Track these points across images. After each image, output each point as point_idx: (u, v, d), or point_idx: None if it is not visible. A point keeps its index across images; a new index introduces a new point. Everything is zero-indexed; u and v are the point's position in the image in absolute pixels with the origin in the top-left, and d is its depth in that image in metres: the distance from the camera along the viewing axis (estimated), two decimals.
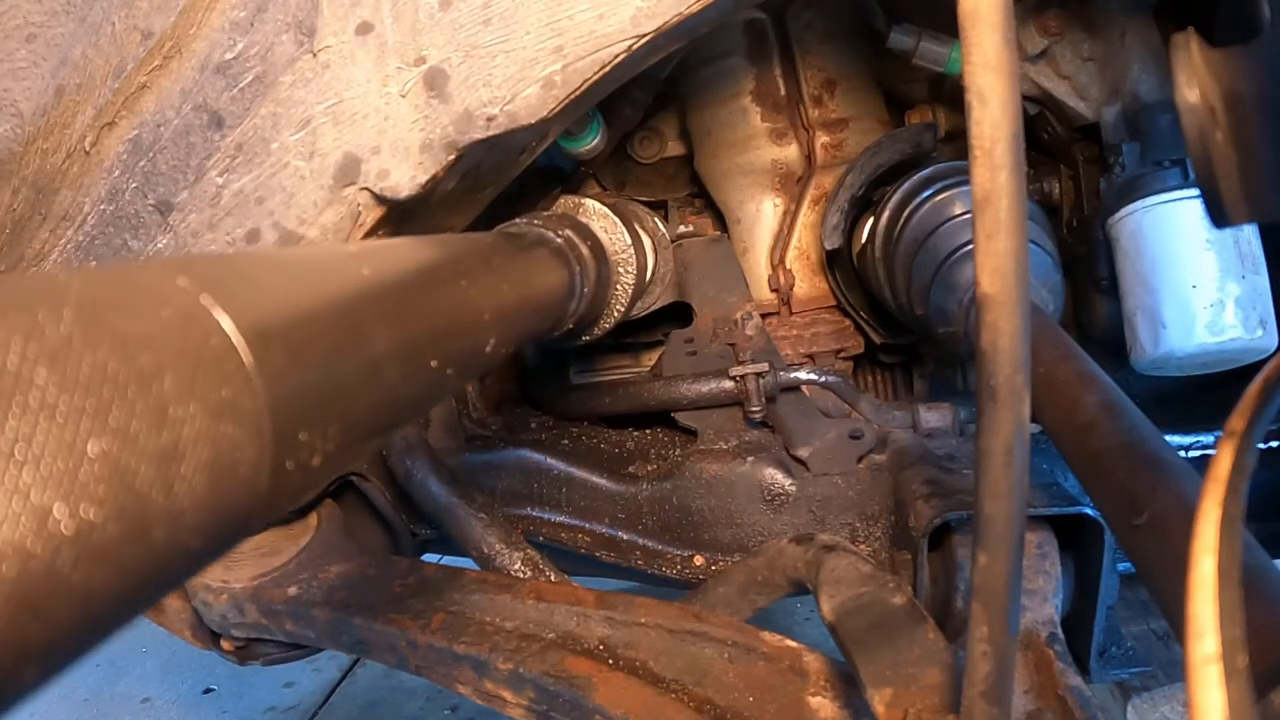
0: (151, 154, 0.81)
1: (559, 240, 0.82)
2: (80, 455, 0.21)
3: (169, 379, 0.24)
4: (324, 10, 0.76)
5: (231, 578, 0.96)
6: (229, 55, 0.78)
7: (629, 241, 1.00)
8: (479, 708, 0.80)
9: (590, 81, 0.75)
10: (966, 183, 1.00)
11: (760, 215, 1.26)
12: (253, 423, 0.27)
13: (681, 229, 1.29)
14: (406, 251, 0.41)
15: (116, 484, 0.22)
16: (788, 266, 1.23)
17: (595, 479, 1.14)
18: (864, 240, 1.16)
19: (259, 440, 0.27)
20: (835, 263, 1.22)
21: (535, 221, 0.86)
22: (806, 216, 1.23)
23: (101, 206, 0.83)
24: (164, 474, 0.23)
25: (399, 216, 0.82)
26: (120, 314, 0.24)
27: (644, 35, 0.74)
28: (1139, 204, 0.99)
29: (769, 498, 1.07)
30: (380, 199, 0.79)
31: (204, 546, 0.26)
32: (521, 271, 0.66)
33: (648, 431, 1.23)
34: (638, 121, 1.28)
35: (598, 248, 0.93)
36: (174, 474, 0.23)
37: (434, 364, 0.43)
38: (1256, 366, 0.40)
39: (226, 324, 0.27)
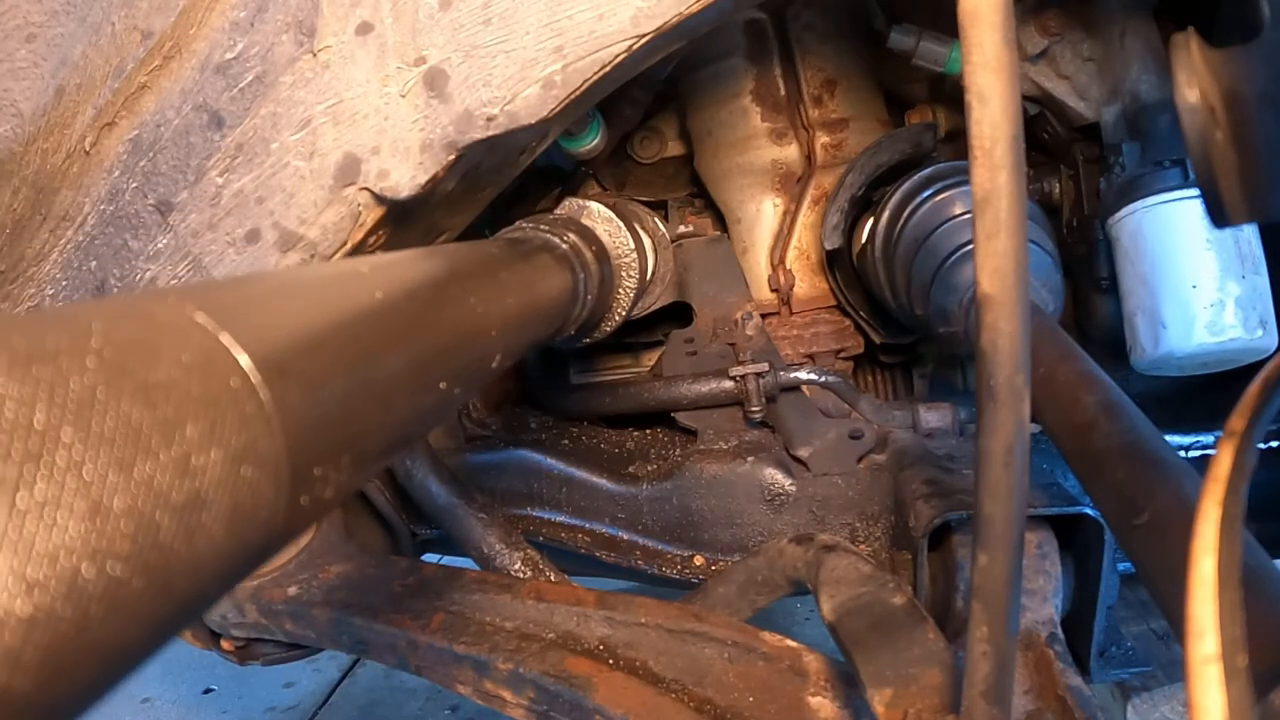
0: (151, 154, 0.81)
1: (564, 246, 0.82)
2: (107, 513, 0.21)
3: (190, 427, 0.24)
4: (324, 10, 0.76)
5: None
6: (229, 55, 0.78)
7: (632, 245, 1.00)
8: (479, 708, 0.80)
9: (590, 81, 0.75)
10: (966, 183, 1.00)
11: (760, 215, 1.26)
12: (271, 464, 0.26)
13: (681, 229, 1.29)
14: (416, 269, 0.40)
15: (141, 539, 0.22)
16: (788, 266, 1.23)
17: (595, 479, 1.14)
18: (864, 240, 1.16)
19: (276, 481, 0.27)
20: (835, 263, 1.22)
21: (541, 226, 0.86)
22: (806, 216, 1.23)
23: (102, 206, 0.83)
24: (186, 524, 0.23)
25: (399, 216, 0.82)
26: (142, 359, 0.24)
27: (644, 35, 0.74)
28: (1139, 204, 0.99)
29: (769, 498, 1.07)
30: (380, 199, 0.79)
31: (219, 588, 0.26)
32: (526, 281, 0.66)
33: (648, 431, 1.23)
34: (638, 121, 1.28)
35: (601, 252, 0.93)
36: (196, 523, 0.23)
37: (443, 385, 0.43)
38: (1256, 366, 0.40)
39: (245, 363, 0.26)
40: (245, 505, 0.25)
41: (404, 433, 0.40)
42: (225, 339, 0.26)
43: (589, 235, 0.92)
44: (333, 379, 0.31)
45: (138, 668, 0.24)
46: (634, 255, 1.00)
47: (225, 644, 1.03)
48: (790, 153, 1.26)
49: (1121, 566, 0.85)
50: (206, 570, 0.24)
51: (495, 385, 1.36)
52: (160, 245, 0.83)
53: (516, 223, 0.89)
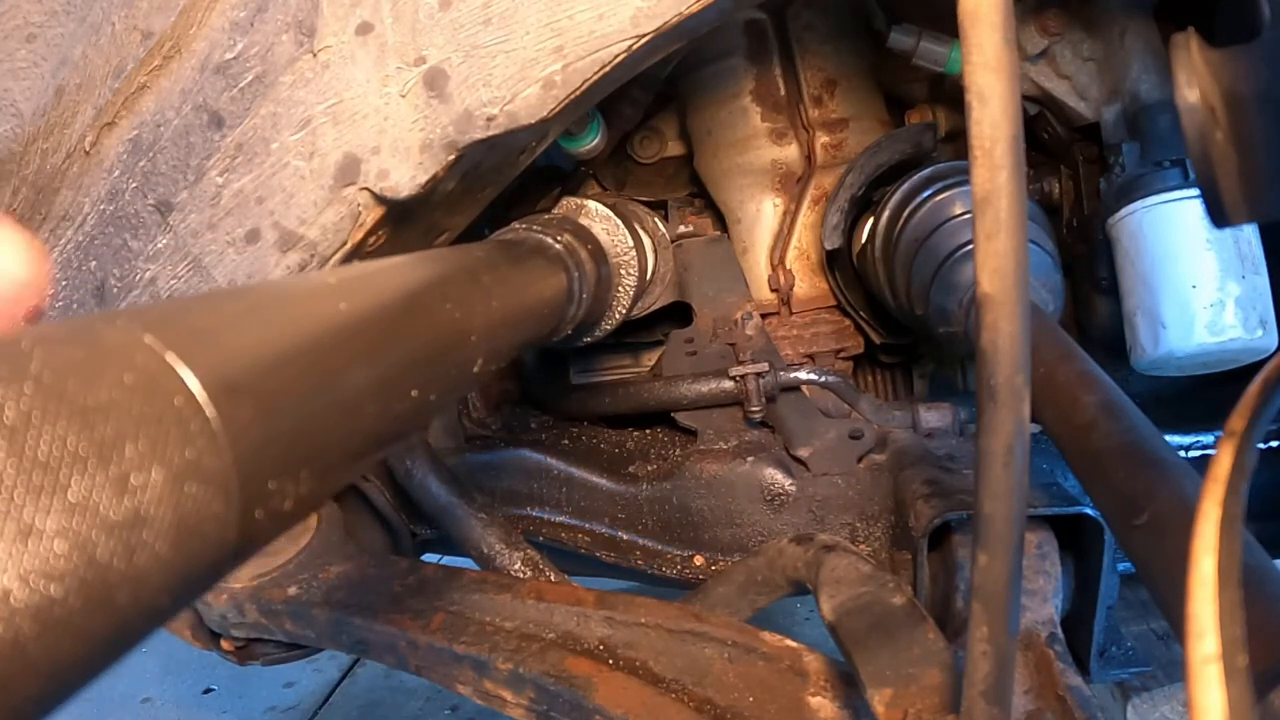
0: (151, 154, 0.81)
1: (558, 246, 0.82)
2: (39, 534, 0.22)
3: (130, 447, 0.24)
4: (324, 10, 0.76)
5: (231, 578, 0.96)
6: (229, 55, 0.78)
7: (631, 244, 1.00)
8: (479, 708, 0.80)
9: (590, 81, 0.75)
10: (966, 183, 1.00)
11: (760, 215, 1.26)
12: (219, 480, 0.26)
13: (681, 229, 1.29)
14: (387, 278, 0.40)
15: (76, 558, 0.22)
16: (788, 266, 1.23)
17: (595, 479, 1.14)
18: (864, 240, 1.16)
19: (225, 496, 0.27)
20: (835, 263, 1.22)
21: (534, 226, 0.86)
22: (806, 216, 1.23)
23: (101, 206, 0.83)
24: (126, 542, 0.23)
25: (399, 216, 0.82)
26: (82, 383, 0.24)
27: (644, 35, 0.74)
28: (1139, 204, 0.99)
29: (769, 498, 1.07)
30: (380, 199, 0.79)
31: (172, 603, 0.26)
32: (515, 284, 0.66)
33: (648, 431, 1.23)
34: (638, 121, 1.28)
35: (598, 251, 0.93)
36: (136, 541, 0.24)
37: (415, 393, 0.42)
38: (1256, 366, 0.40)
39: (192, 382, 0.26)
40: (190, 521, 0.25)
41: (373, 442, 0.40)
42: (170, 358, 0.26)
43: (585, 234, 0.92)
44: (288, 394, 0.31)
45: (84, 684, 0.24)
46: (633, 254, 1.00)
47: (225, 644, 1.03)
48: (790, 153, 1.26)
49: (1121, 566, 0.85)
50: (152, 585, 0.24)
51: (495, 385, 1.36)
52: (160, 245, 0.83)
53: (511, 224, 0.89)
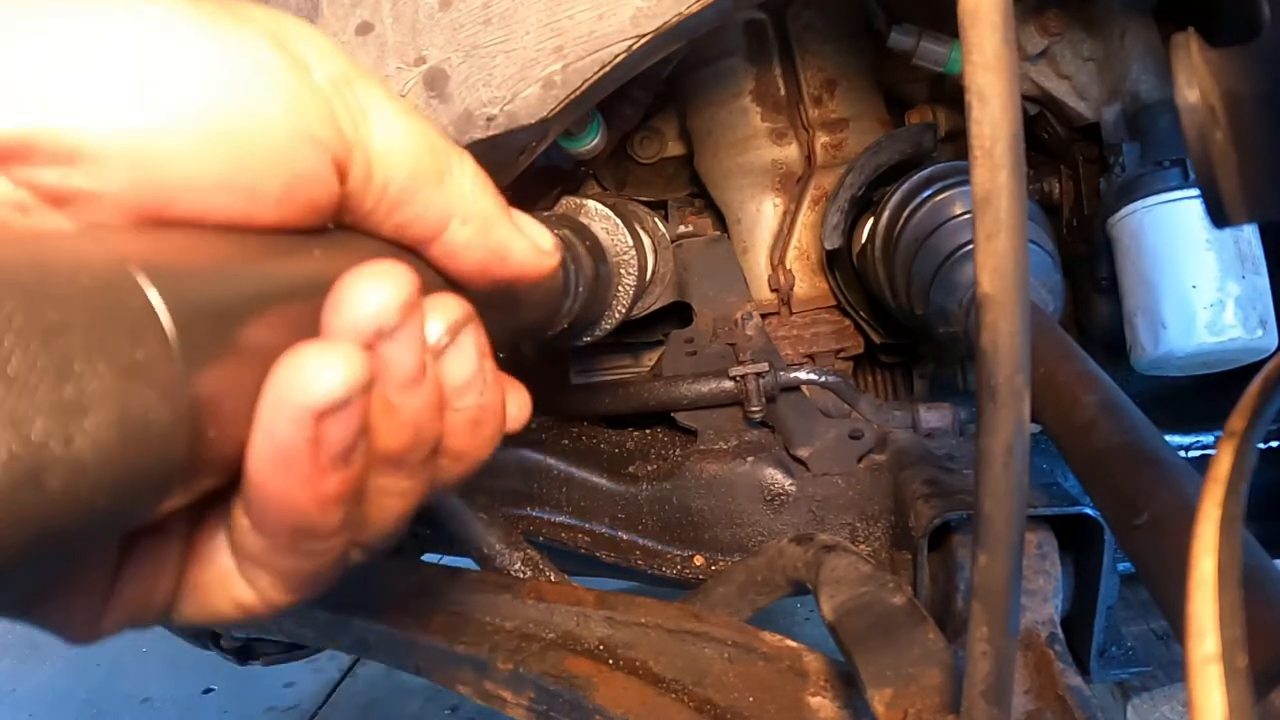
0: None
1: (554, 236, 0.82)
2: None
3: (78, 335, 0.24)
4: (324, 10, 0.76)
5: None
6: None
7: (631, 243, 1.00)
8: (479, 708, 0.80)
9: (590, 81, 0.75)
10: (966, 183, 1.00)
11: (760, 215, 1.26)
12: (167, 387, 0.26)
13: (681, 229, 1.29)
14: (366, 247, 0.41)
15: (9, 432, 0.22)
16: (788, 266, 1.23)
17: (595, 479, 1.14)
18: (864, 240, 1.16)
19: (173, 404, 0.27)
20: (835, 263, 1.22)
21: None
22: (806, 216, 1.23)
23: None
24: (62, 425, 0.23)
25: None
26: (40, 273, 0.24)
27: (644, 35, 0.74)
28: (1139, 204, 0.99)
29: (769, 498, 1.07)
30: None
31: (112, 503, 0.25)
32: None
33: (648, 431, 1.23)
34: (638, 121, 1.28)
35: (596, 248, 0.93)
36: (74, 427, 0.23)
37: None
38: (1256, 366, 0.40)
39: (146, 286, 0.27)
40: (135, 421, 0.25)
41: None
42: (133, 268, 0.27)
43: (583, 231, 0.92)
44: (250, 331, 0.31)
45: (28, 573, 0.25)
46: (633, 253, 1.00)
47: (225, 644, 1.03)
48: (790, 153, 1.26)
49: (1121, 566, 0.85)
50: (89, 476, 0.24)
51: None
52: None
53: None
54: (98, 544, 0.32)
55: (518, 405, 0.45)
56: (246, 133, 0.32)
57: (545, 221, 0.87)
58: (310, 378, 0.30)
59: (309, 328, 0.34)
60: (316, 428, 0.31)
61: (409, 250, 0.41)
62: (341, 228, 0.39)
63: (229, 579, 0.36)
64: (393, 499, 0.39)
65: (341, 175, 0.36)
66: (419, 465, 0.38)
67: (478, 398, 0.40)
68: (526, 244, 0.44)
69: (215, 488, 0.33)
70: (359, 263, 0.35)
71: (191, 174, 0.31)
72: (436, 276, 0.42)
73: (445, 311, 0.38)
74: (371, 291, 0.33)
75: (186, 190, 0.32)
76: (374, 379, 0.33)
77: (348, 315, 0.33)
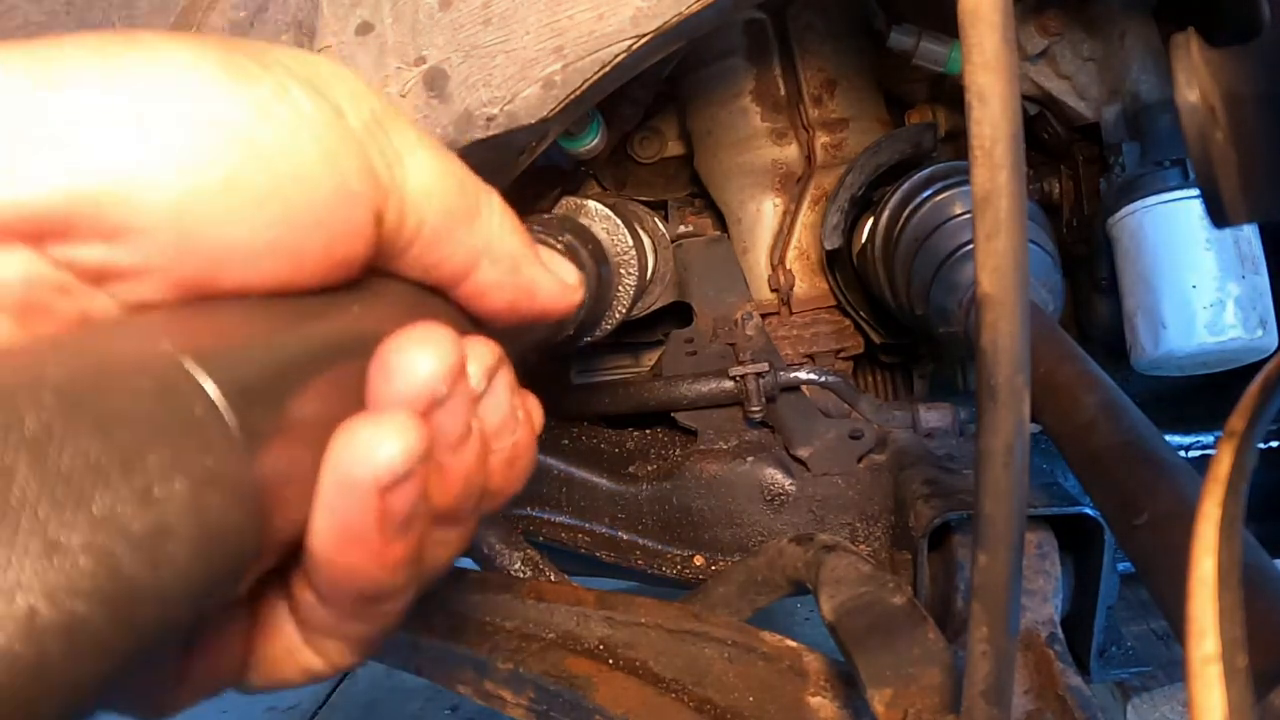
0: None
1: (558, 246, 0.82)
2: (64, 550, 0.21)
3: (152, 457, 0.23)
4: (324, 10, 0.76)
5: None
6: None
7: (631, 244, 1.00)
8: (479, 708, 0.80)
9: (590, 81, 0.75)
10: (966, 183, 1.00)
11: (760, 215, 1.26)
12: (238, 489, 0.26)
13: (681, 229, 1.29)
14: (401, 298, 0.39)
15: (102, 574, 0.21)
16: (788, 266, 1.23)
17: (595, 479, 1.14)
18: (864, 240, 1.16)
19: (244, 505, 0.26)
20: (835, 263, 1.22)
21: (535, 227, 0.86)
22: (806, 216, 1.23)
23: None
24: (150, 556, 0.23)
25: None
26: (100, 390, 0.23)
27: (644, 35, 0.74)
28: (1139, 204, 0.99)
29: (769, 498, 1.07)
30: None
31: (192, 615, 0.25)
32: None
33: (648, 431, 1.23)
34: (638, 121, 1.28)
35: (599, 251, 0.93)
36: (160, 554, 0.23)
37: None
38: (1256, 366, 0.40)
39: (210, 388, 0.26)
40: (213, 532, 0.25)
41: None
42: (188, 363, 0.26)
43: (586, 235, 0.92)
44: (304, 397, 0.31)
45: (105, 701, 0.24)
46: (633, 254, 1.00)
47: None
48: (790, 153, 1.26)
49: (1121, 566, 0.85)
50: (174, 600, 0.24)
51: None
52: None
53: None
54: (176, 642, 0.31)
55: (535, 414, 0.46)
56: (290, 193, 0.31)
57: (548, 225, 0.87)
58: (372, 452, 0.30)
59: (356, 392, 0.33)
60: (381, 501, 0.30)
61: (436, 292, 0.41)
62: (371, 272, 0.38)
63: (296, 649, 0.36)
64: (446, 548, 0.39)
65: (378, 221, 0.35)
66: (469, 514, 0.39)
67: (511, 437, 0.40)
68: (553, 281, 0.45)
69: (277, 566, 0.33)
70: (397, 317, 0.35)
71: (239, 240, 0.30)
72: (463, 317, 0.42)
73: (480, 358, 0.37)
74: (422, 360, 0.33)
75: (234, 259, 0.30)
76: (431, 446, 0.33)
77: (399, 385, 0.33)
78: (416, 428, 0.31)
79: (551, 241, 0.83)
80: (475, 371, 0.37)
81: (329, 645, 0.36)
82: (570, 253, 0.82)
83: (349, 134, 0.34)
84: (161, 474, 0.23)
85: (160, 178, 0.28)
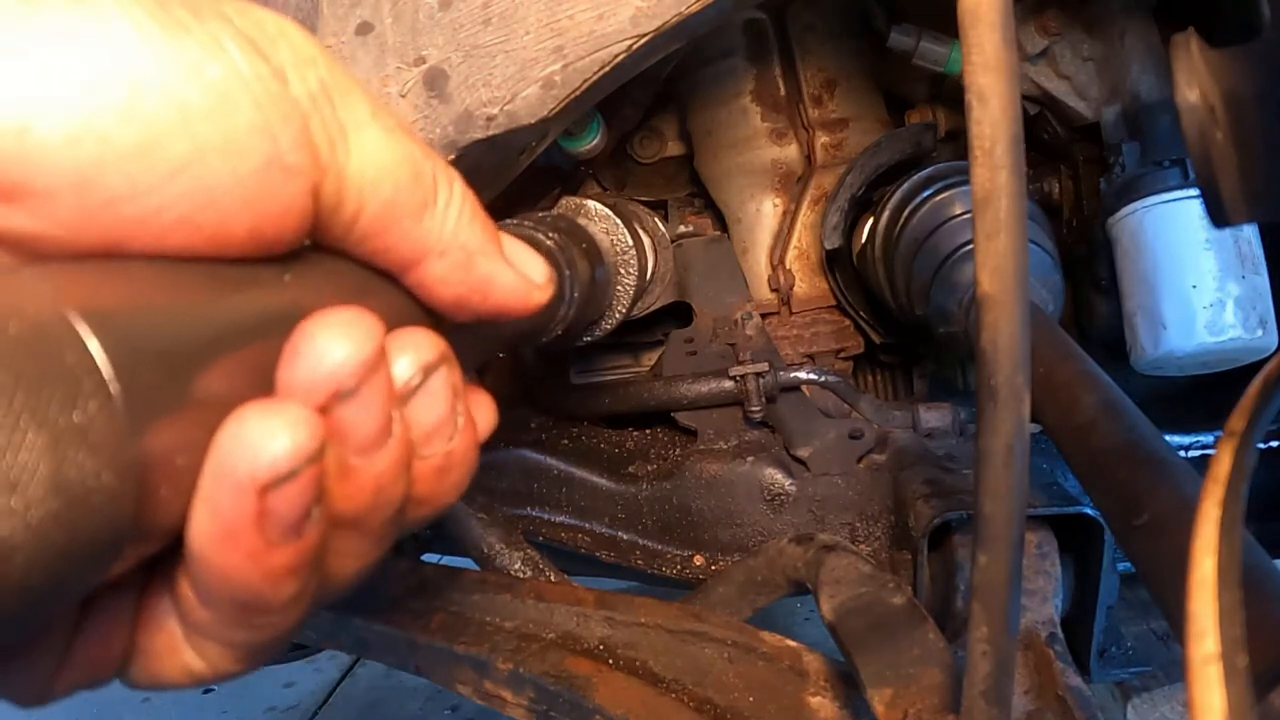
0: None
1: (548, 243, 0.81)
2: None
3: (5, 398, 0.22)
4: (324, 10, 0.76)
5: None
6: None
7: (631, 244, 1.00)
8: (479, 708, 0.80)
9: (590, 81, 0.75)
10: (966, 183, 1.00)
11: (760, 215, 1.26)
12: (110, 450, 0.24)
13: (681, 229, 1.29)
14: (340, 277, 0.36)
15: None
16: (788, 266, 1.23)
17: (595, 479, 1.14)
18: (864, 240, 1.16)
19: (117, 470, 0.24)
20: (835, 263, 1.22)
21: (525, 223, 0.86)
22: (806, 216, 1.23)
23: None
24: None
25: None
26: None
27: (644, 35, 0.74)
28: (1139, 204, 0.99)
29: (769, 498, 1.07)
30: None
31: (53, 582, 0.23)
32: None
33: (648, 431, 1.23)
34: (638, 121, 1.28)
35: (593, 250, 0.92)
36: (1, 505, 0.21)
37: None
38: (1256, 366, 0.40)
39: (92, 344, 0.24)
40: (74, 492, 0.23)
41: None
42: (70, 314, 0.24)
43: (579, 233, 0.91)
44: (201, 364, 0.28)
45: None
46: (633, 254, 1.00)
47: None
48: (790, 153, 1.26)
49: (1121, 566, 0.85)
50: (21, 559, 0.22)
51: (495, 385, 1.36)
52: None
53: (504, 221, 0.88)
54: (38, 619, 0.28)
55: (484, 417, 0.41)
56: (214, 163, 0.28)
57: (539, 222, 0.86)
58: (253, 446, 0.27)
59: (271, 375, 0.30)
60: (260, 501, 0.27)
61: (386, 275, 0.38)
62: (319, 247, 0.36)
63: (178, 647, 0.33)
64: (352, 560, 0.35)
65: (314, 198, 0.32)
66: (383, 525, 0.34)
67: (446, 444, 0.36)
68: (513, 279, 0.41)
69: (166, 549, 0.30)
70: (332, 298, 0.32)
71: (147, 212, 0.27)
72: (413, 305, 0.39)
73: (417, 350, 0.34)
74: (329, 346, 0.30)
75: (144, 232, 0.28)
76: (327, 445, 0.29)
77: (302, 372, 0.30)
78: (309, 423, 0.28)
79: (540, 237, 0.82)
80: (406, 366, 0.33)
81: (210, 649, 0.33)
82: (556, 251, 0.81)
83: (289, 101, 0.30)
84: (14, 419, 0.22)
85: (60, 136, 0.25)
